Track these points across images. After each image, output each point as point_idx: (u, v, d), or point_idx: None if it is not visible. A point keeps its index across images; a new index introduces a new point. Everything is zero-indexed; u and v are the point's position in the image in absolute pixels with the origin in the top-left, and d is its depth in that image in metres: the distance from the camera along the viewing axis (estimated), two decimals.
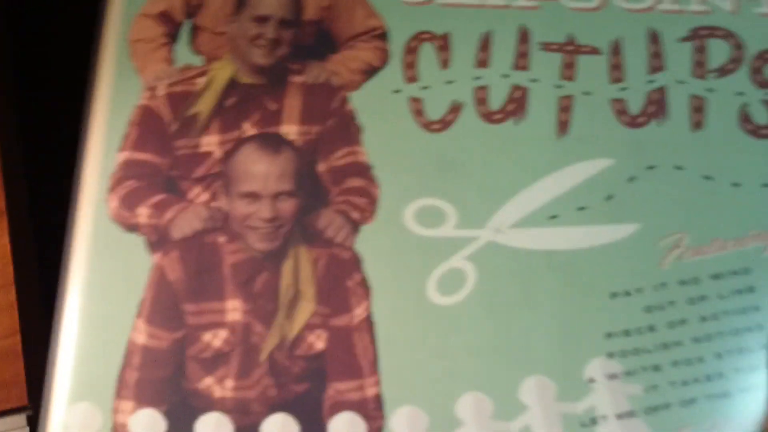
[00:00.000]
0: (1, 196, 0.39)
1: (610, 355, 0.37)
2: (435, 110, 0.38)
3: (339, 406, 0.37)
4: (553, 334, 0.37)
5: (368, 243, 0.38)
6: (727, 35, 0.39)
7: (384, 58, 0.39)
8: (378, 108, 0.38)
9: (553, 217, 0.38)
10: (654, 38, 0.39)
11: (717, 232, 0.37)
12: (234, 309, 0.37)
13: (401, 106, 0.38)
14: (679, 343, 0.37)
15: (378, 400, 0.36)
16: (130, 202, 0.37)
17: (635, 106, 0.38)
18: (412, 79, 0.38)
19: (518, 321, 0.37)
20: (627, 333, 0.37)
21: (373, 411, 0.36)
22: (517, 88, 0.38)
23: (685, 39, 0.39)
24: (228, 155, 0.38)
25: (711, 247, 0.37)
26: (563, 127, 0.38)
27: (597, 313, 0.37)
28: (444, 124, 0.38)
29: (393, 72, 0.39)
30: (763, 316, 0.37)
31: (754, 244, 0.37)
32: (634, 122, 0.38)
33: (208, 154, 0.38)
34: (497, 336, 0.37)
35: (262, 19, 0.39)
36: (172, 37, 0.39)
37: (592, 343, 0.37)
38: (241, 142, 0.38)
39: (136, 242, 0.37)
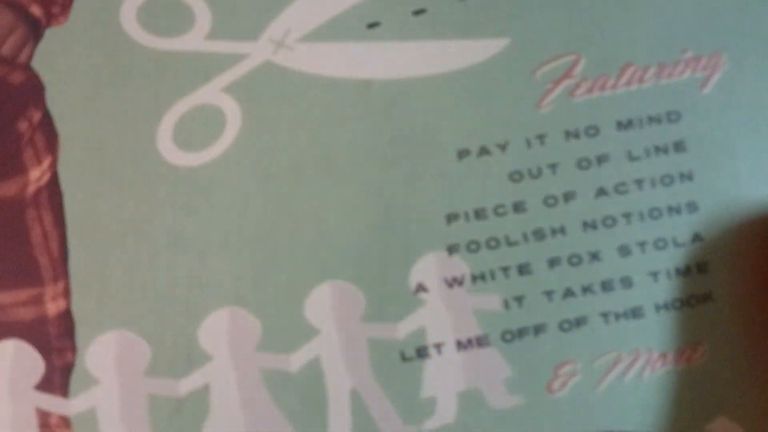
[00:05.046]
0: None
1: (452, 249, 0.22)
2: None
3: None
4: (362, 215, 0.23)
5: (57, 58, 0.22)
6: None
7: None
8: None
9: (373, 25, 0.23)
10: None
11: (628, 54, 0.23)
12: None
13: None
14: (561, 230, 0.23)
15: (65, 320, 0.22)
16: None
17: None
18: None
19: (307, 193, 0.23)
20: (479, 213, 0.23)
21: (56, 339, 0.22)
22: None
23: None
24: None
25: (619, 78, 0.23)
26: None
27: (434, 181, 0.23)
28: None
29: None
30: (697, 188, 0.23)
31: (687, 74, 0.23)
32: None
33: None
34: (270, 216, 0.22)
35: None
36: None
37: (424, 230, 0.23)
38: None
39: None
